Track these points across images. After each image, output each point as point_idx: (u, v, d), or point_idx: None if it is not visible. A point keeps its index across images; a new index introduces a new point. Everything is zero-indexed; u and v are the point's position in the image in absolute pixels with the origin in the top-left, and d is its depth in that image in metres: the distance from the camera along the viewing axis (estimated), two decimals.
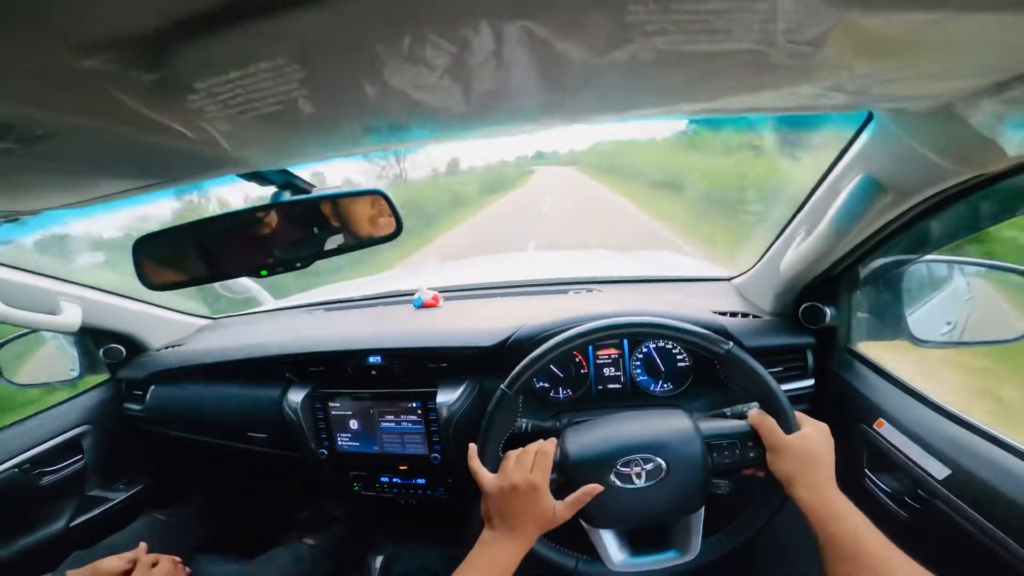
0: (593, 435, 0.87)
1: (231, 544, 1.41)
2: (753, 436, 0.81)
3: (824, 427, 0.80)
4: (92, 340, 1.48)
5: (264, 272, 0.72)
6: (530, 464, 0.80)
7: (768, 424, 0.79)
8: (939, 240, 0.86)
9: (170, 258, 0.74)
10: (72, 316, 1.27)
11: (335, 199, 0.72)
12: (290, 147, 0.43)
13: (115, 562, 1.02)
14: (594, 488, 0.80)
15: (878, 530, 0.67)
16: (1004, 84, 0.40)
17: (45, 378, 1.59)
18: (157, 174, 0.55)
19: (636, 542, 0.89)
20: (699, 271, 1.49)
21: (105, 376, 1.53)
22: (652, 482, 0.81)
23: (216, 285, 1.70)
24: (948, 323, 1.10)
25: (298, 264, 0.72)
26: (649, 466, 0.81)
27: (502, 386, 0.90)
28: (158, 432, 1.46)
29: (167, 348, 1.52)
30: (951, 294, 1.10)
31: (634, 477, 0.81)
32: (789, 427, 0.79)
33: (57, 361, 1.56)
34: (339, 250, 0.72)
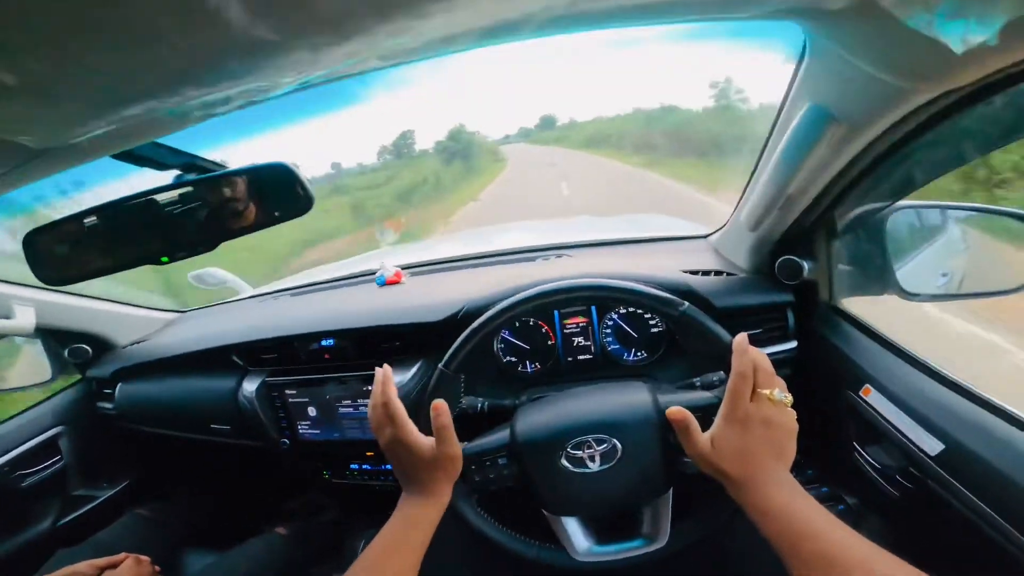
0: (542, 415, 0.81)
1: (212, 537, 1.40)
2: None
3: (791, 414, 0.66)
4: (57, 341, 1.45)
5: (164, 259, 0.67)
6: (382, 417, 0.72)
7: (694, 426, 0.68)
8: (920, 179, 0.77)
9: (66, 250, 0.69)
10: (25, 319, 1.24)
11: (239, 176, 0.66)
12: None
13: (84, 568, 0.99)
14: (439, 404, 0.69)
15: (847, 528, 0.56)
16: None
17: (21, 381, 1.57)
18: None
19: (603, 529, 0.83)
20: (678, 230, 1.40)
21: (78, 376, 1.51)
22: (607, 465, 0.74)
23: (189, 278, 1.67)
24: (943, 275, 1.02)
25: (200, 248, 0.66)
26: (602, 447, 0.74)
27: (440, 365, 0.84)
28: (132, 429, 1.44)
29: (133, 344, 1.49)
30: (945, 243, 1.02)
31: (587, 460, 0.74)
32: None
33: (33, 364, 1.54)
34: (246, 229, 0.66)
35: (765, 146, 0.83)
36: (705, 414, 0.71)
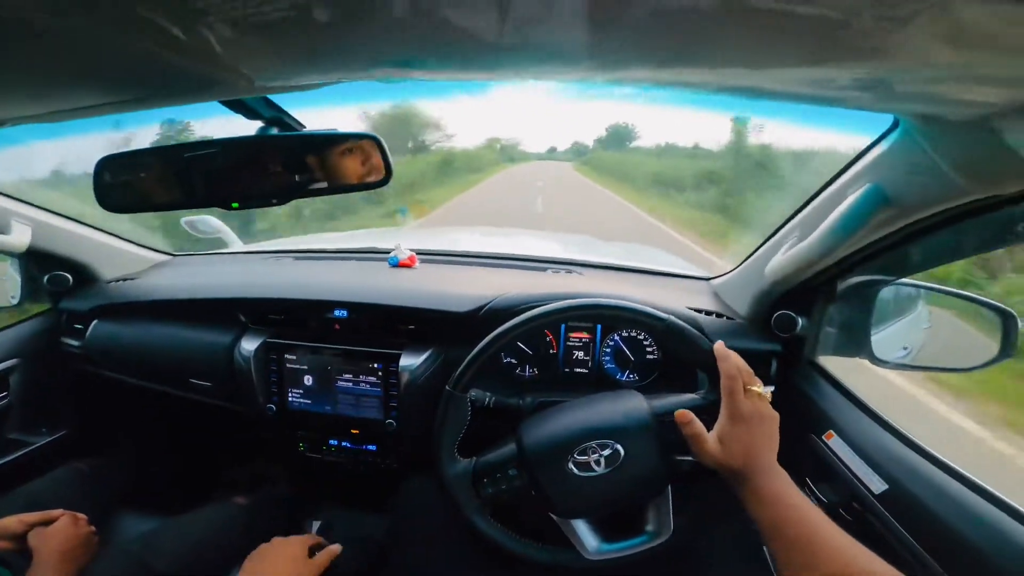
0: (547, 426, 0.86)
1: (157, 500, 1.31)
2: (708, 408, 0.77)
3: (774, 415, 0.74)
4: (38, 266, 1.37)
5: (235, 204, 0.68)
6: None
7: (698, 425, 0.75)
8: (923, 263, 0.87)
9: (136, 181, 0.70)
10: (21, 237, 1.19)
11: (325, 139, 0.68)
12: (292, 64, 0.39)
13: (12, 523, 0.93)
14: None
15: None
16: None
17: None
18: (137, 88, 0.50)
19: (609, 529, 0.87)
20: (680, 268, 1.48)
21: (46, 306, 1.43)
22: (611, 468, 0.79)
23: (183, 222, 1.63)
24: (904, 348, 1.11)
25: (274, 200, 0.68)
26: (606, 452, 0.80)
27: (447, 386, 0.88)
28: (93, 372, 1.37)
29: (118, 281, 1.43)
30: (913, 319, 1.12)
31: (593, 464, 0.80)
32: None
33: None
34: (322, 191, 0.68)
35: (800, 209, 0.91)
36: (695, 412, 0.77)
